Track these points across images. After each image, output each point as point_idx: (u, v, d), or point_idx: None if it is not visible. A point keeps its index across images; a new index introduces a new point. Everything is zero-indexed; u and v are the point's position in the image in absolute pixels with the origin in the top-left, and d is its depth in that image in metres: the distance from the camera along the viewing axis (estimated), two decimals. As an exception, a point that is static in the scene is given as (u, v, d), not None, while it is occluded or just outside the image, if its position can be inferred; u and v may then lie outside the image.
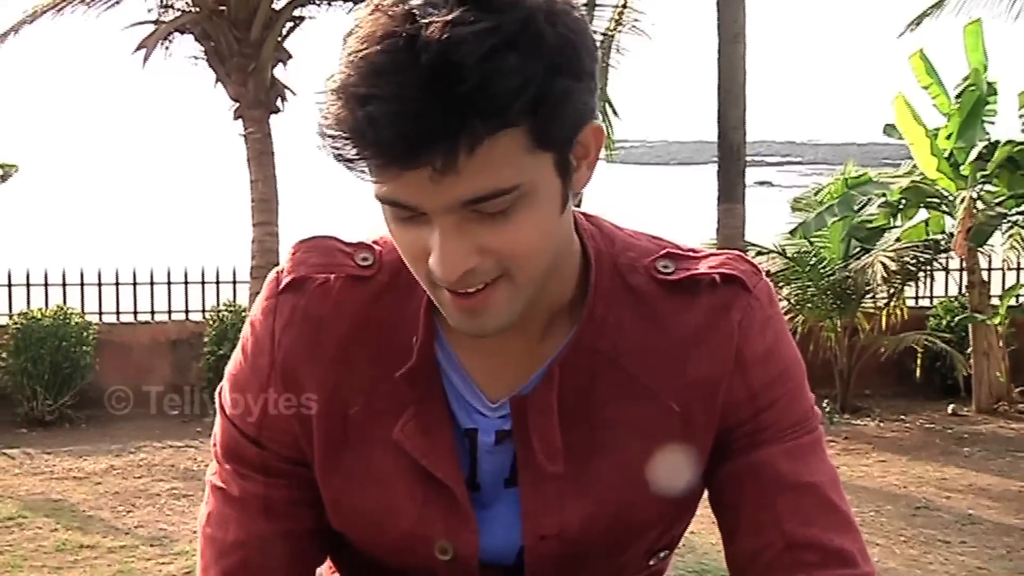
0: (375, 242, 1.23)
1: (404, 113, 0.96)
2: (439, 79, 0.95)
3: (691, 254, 1.24)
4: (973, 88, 10.13)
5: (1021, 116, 10.33)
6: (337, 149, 1.00)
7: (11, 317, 10.08)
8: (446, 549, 1.19)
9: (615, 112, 11.29)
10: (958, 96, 10.18)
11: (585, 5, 10.85)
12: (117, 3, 10.16)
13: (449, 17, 0.96)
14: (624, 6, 11.16)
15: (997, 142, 10.00)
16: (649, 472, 1.19)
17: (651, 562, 1.29)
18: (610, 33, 11.08)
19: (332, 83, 1.01)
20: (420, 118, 0.95)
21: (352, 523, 1.24)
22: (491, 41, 0.96)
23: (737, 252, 1.27)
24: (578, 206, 1.22)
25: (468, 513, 1.19)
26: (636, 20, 11.15)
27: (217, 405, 1.28)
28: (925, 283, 11.05)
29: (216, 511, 1.27)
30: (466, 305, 1.08)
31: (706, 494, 1.26)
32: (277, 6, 10.08)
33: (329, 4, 10.58)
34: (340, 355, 1.20)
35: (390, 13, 0.99)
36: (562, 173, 1.06)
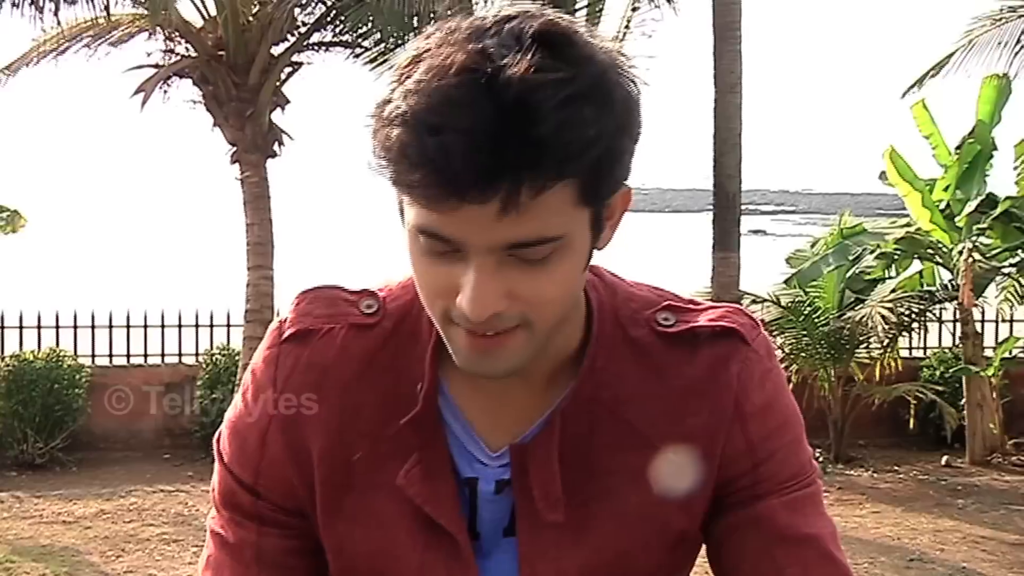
0: (379, 289, 1.24)
1: (479, 146, 0.96)
2: (517, 118, 0.96)
3: (691, 307, 1.24)
4: (973, 141, 10.21)
5: (1016, 169, 10.38)
6: (399, 174, 1.01)
7: (3, 359, 10.07)
8: None
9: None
10: (958, 148, 10.26)
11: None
12: (117, 45, 10.23)
13: (528, 62, 0.97)
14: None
15: (995, 195, 10.09)
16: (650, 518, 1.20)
17: None
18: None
19: (395, 109, 1.00)
20: (495, 153, 0.96)
21: (353, 569, 1.23)
22: (568, 91, 0.97)
23: (735, 306, 1.28)
24: None
25: (469, 561, 1.19)
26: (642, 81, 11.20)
27: (215, 452, 1.28)
28: (919, 334, 11.06)
29: (214, 556, 1.27)
30: (481, 346, 1.08)
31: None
32: (275, 52, 10.15)
33: (327, 50, 10.68)
34: (345, 401, 1.20)
35: (466, 50, 0.99)
36: (595, 229, 1.08)
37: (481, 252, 1.02)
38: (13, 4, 9.47)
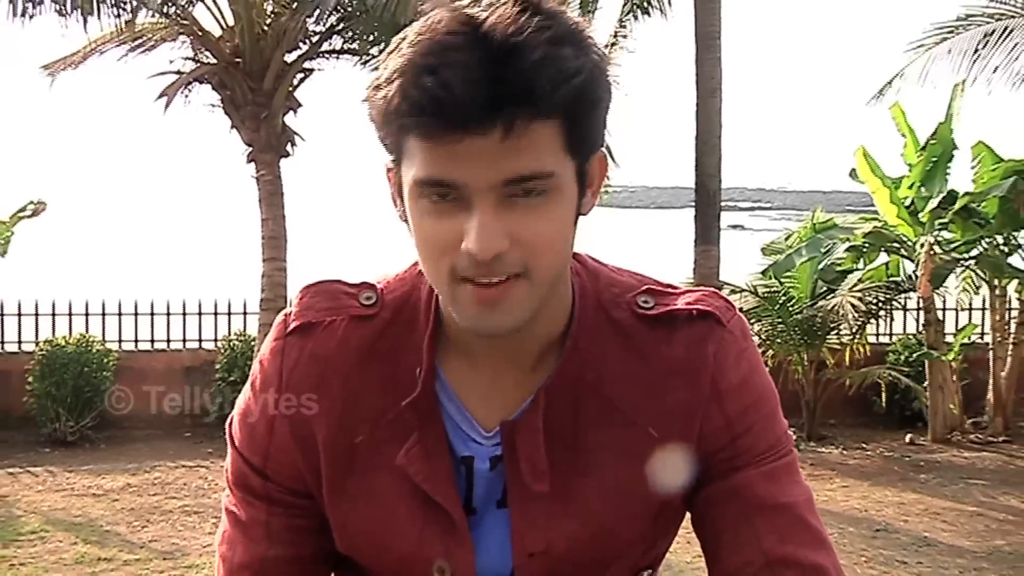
0: (378, 282, 1.24)
1: (476, 79, 0.99)
2: (506, 55, 0.99)
3: (669, 290, 1.24)
4: (935, 142, 10.21)
5: (972, 168, 10.41)
6: (401, 118, 1.03)
7: (37, 344, 10.06)
8: (443, 569, 1.19)
9: (614, 160, 11.36)
10: (922, 148, 10.26)
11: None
12: (149, 50, 10.22)
13: (511, 11, 1.01)
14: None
15: (956, 192, 10.10)
16: (633, 492, 1.20)
17: None
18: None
19: (390, 67, 1.03)
20: (491, 83, 0.99)
21: (357, 544, 1.23)
22: (549, 33, 1.01)
23: (712, 289, 1.27)
24: None
25: (464, 535, 1.19)
26: (616, 77, 11.20)
27: (228, 437, 1.28)
28: (886, 321, 11.08)
29: (228, 533, 1.28)
30: (486, 297, 1.08)
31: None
32: (289, 59, 10.13)
33: (337, 58, 10.66)
34: (347, 388, 1.20)
35: (453, 13, 1.03)
36: (580, 184, 1.10)
37: (483, 192, 1.03)
38: (58, 13, 9.46)
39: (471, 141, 1.00)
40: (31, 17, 9.37)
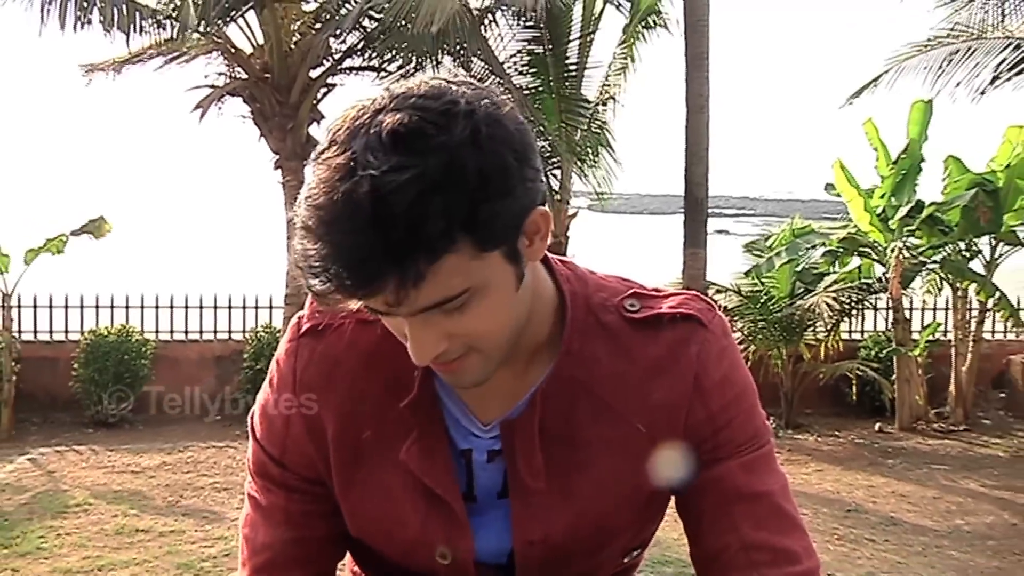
0: None
1: (351, 261, 0.94)
2: (376, 227, 0.93)
3: (655, 294, 1.22)
4: (906, 156, 10.22)
5: (943, 180, 10.41)
6: (307, 282, 0.99)
7: (82, 334, 10.11)
8: (445, 555, 1.19)
9: (617, 162, 11.43)
10: (893, 162, 10.26)
11: (574, 75, 10.95)
12: (186, 63, 10.23)
13: (380, 169, 0.93)
14: (607, 79, 11.23)
15: (923, 202, 10.11)
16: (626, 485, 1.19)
17: (625, 559, 1.28)
18: (596, 101, 11.15)
19: (299, 217, 0.99)
20: (367, 263, 0.94)
21: (366, 531, 1.23)
22: (417, 187, 0.93)
23: (694, 292, 1.26)
24: (565, 252, 1.21)
25: (464, 524, 1.18)
26: (614, 93, 11.23)
27: (249, 428, 1.28)
28: (858, 319, 11.09)
29: (250, 516, 1.28)
30: (444, 370, 1.09)
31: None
32: (313, 75, 10.15)
33: (357, 74, 10.67)
34: (354, 388, 1.19)
35: (335, 158, 0.97)
36: (513, 259, 1.04)
37: (405, 316, 1.01)
38: (104, 29, 9.48)
39: (371, 299, 0.99)
40: (81, 27, 9.40)
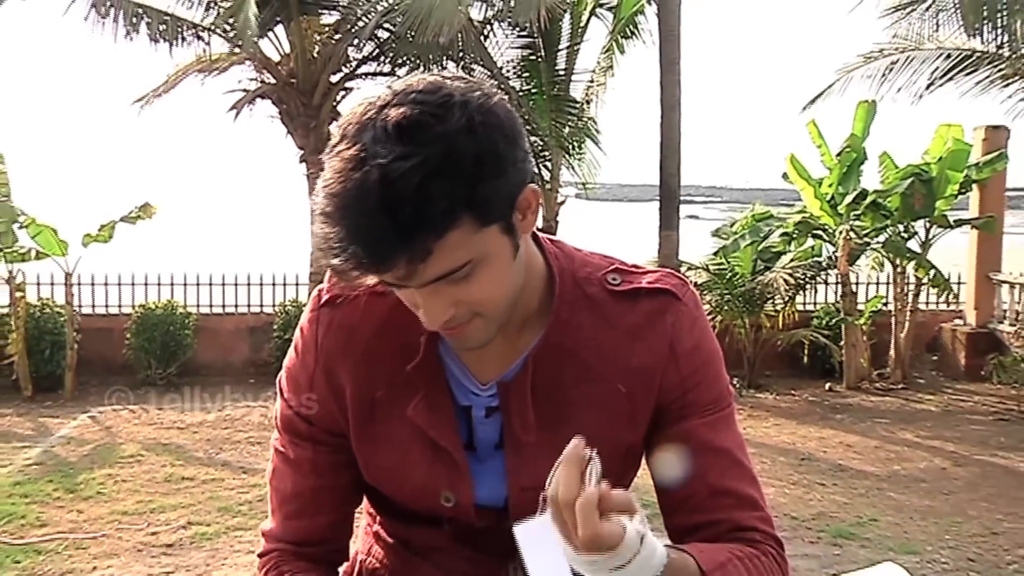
0: None
1: (366, 241, 0.94)
2: (385, 210, 0.93)
3: (634, 270, 1.21)
4: (851, 150, 10.22)
5: (879, 172, 10.48)
6: (327, 261, 0.98)
7: (133, 308, 10.13)
8: (449, 498, 1.18)
9: (604, 152, 11.41)
10: (839, 155, 10.27)
11: (563, 79, 10.92)
12: (222, 72, 10.20)
13: (387, 158, 0.93)
14: (592, 83, 11.21)
15: (866, 190, 10.12)
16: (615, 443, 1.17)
17: None
18: (582, 101, 11.13)
19: (317, 204, 0.97)
20: (379, 242, 0.94)
21: (379, 479, 1.21)
22: (420, 174, 0.92)
23: (669, 270, 1.25)
24: (555, 232, 1.19)
25: (465, 471, 1.17)
26: (598, 93, 11.21)
27: (277, 389, 1.26)
28: (811, 292, 11.11)
29: (278, 469, 1.25)
30: (452, 334, 1.08)
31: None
32: (333, 80, 10.11)
33: (373, 78, 10.62)
34: (367, 353, 1.18)
35: (347, 151, 0.96)
36: (509, 232, 1.03)
37: (416, 287, 1.01)
38: (150, 39, 9.44)
39: (385, 275, 0.99)
40: (129, 38, 9.37)
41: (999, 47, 8.87)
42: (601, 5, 11.04)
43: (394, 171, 0.92)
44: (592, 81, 11.16)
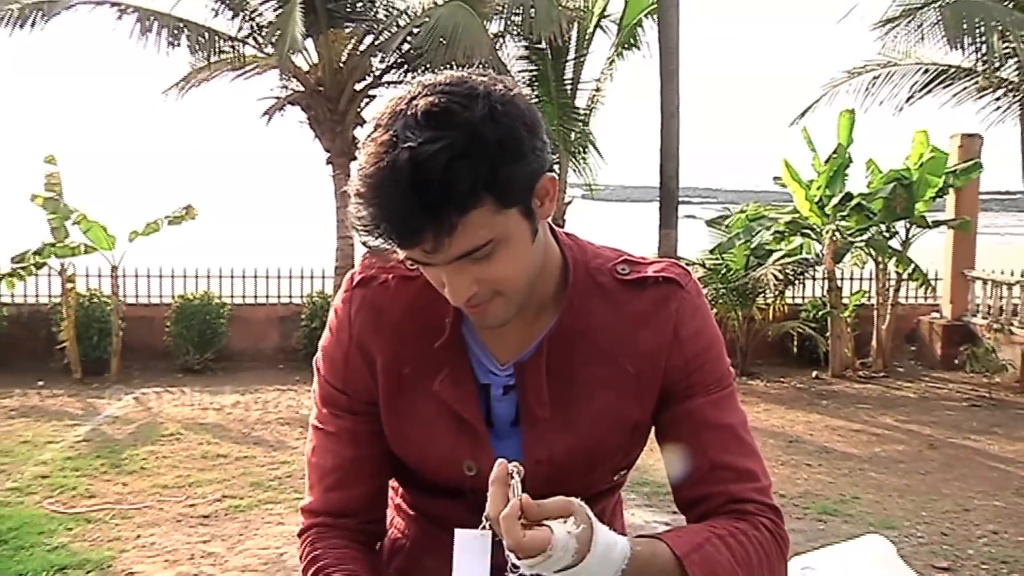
0: None
1: (397, 216, 0.95)
2: (415, 188, 0.94)
3: (641, 261, 1.21)
4: (837, 157, 10.25)
5: (866, 177, 10.48)
6: (361, 237, 1.00)
7: (173, 298, 10.17)
8: (471, 467, 1.17)
9: (602, 157, 11.41)
10: (827, 161, 10.29)
11: (570, 88, 10.91)
12: (260, 73, 10.20)
13: (416, 142, 0.94)
14: (596, 91, 11.20)
15: (851, 193, 10.12)
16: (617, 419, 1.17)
17: (615, 477, 1.25)
18: (587, 108, 11.13)
19: (353, 186, 0.99)
20: (409, 218, 0.95)
21: (405, 450, 1.20)
22: (447, 155, 0.94)
23: (674, 260, 1.25)
24: (563, 226, 1.19)
25: (486, 442, 1.16)
26: (601, 101, 11.21)
27: (315, 367, 1.24)
28: (799, 287, 11.09)
29: (318, 445, 1.23)
30: (474, 312, 1.08)
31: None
32: (357, 87, 10.12)
33: (394, 87, 10.63)
34: (396, 332, 1.17)
35: (380, 137, 0.97)
36: (528, 216, 1.04)
37: (442, 264, 1.02)
38: (190, 50, 9.48)
39: (413, 249, 0.99)
40: (172, 48, 9.41)
41: (977, 61, 8.85)
42: (605, 17, 11.03)
43: (423, 153, 0.94)
44: (596, 90, 11.16)
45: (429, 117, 0.96)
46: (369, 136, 1.00)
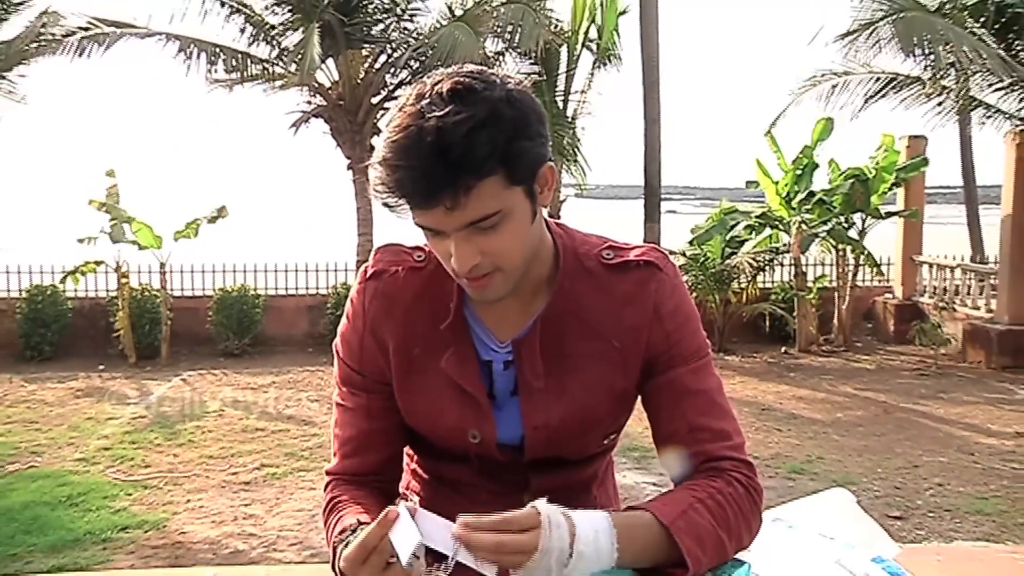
0: (425, 246, 1.18)
1: (421, 176, 0.95)
2: (439, 153, 0.94)
3: (624, 246, 1.20)
4: (802, 157, 10.26)
5: (828, 175, 10.49)
6: (384, 199, 1.00)
7: (214, 291, 10.18)
8: (476, 435, 1.16)
9: (588, 164, 11.38)
10: (794, 161, 10.30)
11: (562, 98, 10.89)
12: (284, 88, 10.18)
13: (442, 112, 0.95)
14: (582, 101, 11.18)
15: (814, 191, 10.14)
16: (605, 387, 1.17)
17: (605, 441, 1.24)
18: (577, 116, 11.11)
19: (378, 156, 0.99)
20: (432, 178, 0.95)
21: (417, 421, 1.20)
22: (468, 125, 0.94)
23: (653, 245, 1.23)
24: (558, 217, 1.18)
25: (488, 413, 1.16)
26: (589, 108, 11.20)
27: (334, 351, 1.24)
28: (770, 273, 11.10)
29: (340, 418, 1.24)
30: (475, 285, 1.07)
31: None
32: (374, 101, 10.11)
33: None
34: (406, 317, 1.16)
35: (408, 111, 0.98)
36: (530, 197, 1.04)
37: (453, 231, 1.01)
38: (226, 71, 9.48)
39: (432, 210, 0.98)
40: (211, 71, 9.42)
41: (926, 68, 8.84)
42: (591, 40, 11.03)
43: (447, 123, 0.94)
44: (585, 99, 11.15)
45: (454, 94, 0.97)
46: (398, 112, 1.00)
